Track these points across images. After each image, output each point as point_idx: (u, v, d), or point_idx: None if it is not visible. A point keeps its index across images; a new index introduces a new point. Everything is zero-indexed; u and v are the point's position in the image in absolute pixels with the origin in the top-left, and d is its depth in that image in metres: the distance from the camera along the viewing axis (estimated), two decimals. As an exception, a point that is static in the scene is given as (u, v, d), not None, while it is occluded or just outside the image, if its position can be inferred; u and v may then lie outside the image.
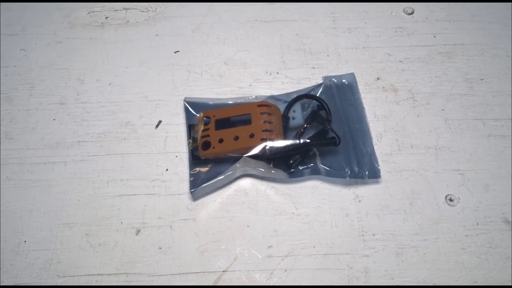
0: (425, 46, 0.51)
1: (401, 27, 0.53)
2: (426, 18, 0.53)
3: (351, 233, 0.40)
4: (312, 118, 0.43)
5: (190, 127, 0.44)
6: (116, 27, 0.53)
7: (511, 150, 0.44)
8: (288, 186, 0.42)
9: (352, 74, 0.47)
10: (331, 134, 0.41)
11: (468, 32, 0.52)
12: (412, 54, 0.50)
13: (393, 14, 0.54)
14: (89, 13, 0.54)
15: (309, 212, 0.41)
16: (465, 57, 0.50)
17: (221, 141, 0.41)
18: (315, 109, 0.44)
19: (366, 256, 0.39)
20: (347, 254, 0.39)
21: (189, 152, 0.43)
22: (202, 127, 0.42)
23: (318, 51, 0.51)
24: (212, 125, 0.42)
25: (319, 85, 0.46)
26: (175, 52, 0.51)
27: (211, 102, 0.45)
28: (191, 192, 0.40)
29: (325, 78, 0.46)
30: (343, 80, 0.46)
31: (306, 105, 0.45)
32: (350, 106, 0.44)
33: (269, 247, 0.40)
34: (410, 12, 0.54)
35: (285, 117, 0.43)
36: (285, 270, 0.38)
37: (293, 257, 0.39)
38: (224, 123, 0.42)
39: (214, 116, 0.42)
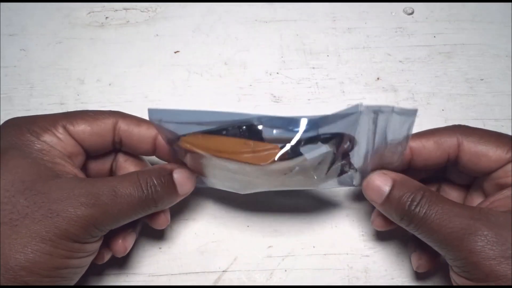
0: (425, 46, 0.51)
1: (401, 27, 0.53)
2: (426, 18, 0.53)
3: (351, 233, 0.40)
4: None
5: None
6: (116, 27, 0.53)
7: (511, 150, 0.44)
8: (288, 186, 0.42)
9: (415, 111, 0.31)
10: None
11: (468, 32, 0.52)
12: (412, 54, 0.50)
13: (393, 14, 0.54)
14: (89, 13, 0.54)
15: (309, 212, 0.41)
16: (465, 57, 0.50)
17: None
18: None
19: (366, 256, 0.39)
20: (347, 254, 0.39)
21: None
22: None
23: (318, 51, 0.51)
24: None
25: (354, 116, 0.30)
26: (175, 52, 0.51)
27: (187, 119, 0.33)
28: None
29: (367, 108, 0.30)
30: (395, 116, 0.31)
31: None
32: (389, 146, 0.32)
33: (269, 247, 0.40)
34: (410, 12, 0.54)
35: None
36: (285, 270, 0.38)
37: (293, 257, 0.39)
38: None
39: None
